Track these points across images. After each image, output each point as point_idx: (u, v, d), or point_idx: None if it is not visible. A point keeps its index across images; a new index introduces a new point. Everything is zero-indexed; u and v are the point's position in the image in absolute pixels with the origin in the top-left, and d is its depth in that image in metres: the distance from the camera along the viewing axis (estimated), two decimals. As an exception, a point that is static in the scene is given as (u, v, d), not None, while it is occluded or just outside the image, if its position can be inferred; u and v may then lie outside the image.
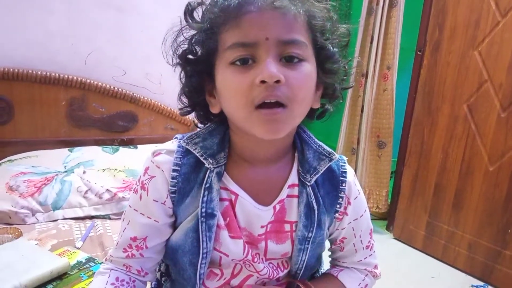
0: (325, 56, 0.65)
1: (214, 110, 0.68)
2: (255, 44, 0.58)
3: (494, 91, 1.99)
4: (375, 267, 0.82)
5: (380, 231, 2.63)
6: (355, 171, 2.67)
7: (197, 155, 0.67)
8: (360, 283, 0.80)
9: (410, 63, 2.44)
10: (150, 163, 0.69)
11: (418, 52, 2.36)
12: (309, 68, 0.62)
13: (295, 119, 0.64)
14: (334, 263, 0.84)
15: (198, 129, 0.72)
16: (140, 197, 0.69)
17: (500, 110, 1.97)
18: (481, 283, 2.07)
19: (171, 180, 0.67)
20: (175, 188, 0.68)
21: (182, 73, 0.67)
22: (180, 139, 0.70)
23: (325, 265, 0.85)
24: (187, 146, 0.68)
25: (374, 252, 0.82)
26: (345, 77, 0.70)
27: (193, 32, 0.64)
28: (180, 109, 0.71)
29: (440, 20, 2.22)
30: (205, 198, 0.66)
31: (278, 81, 0.57)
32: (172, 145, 0.70)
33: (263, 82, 0.57)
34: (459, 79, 2.14)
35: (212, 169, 0.67)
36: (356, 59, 2.42)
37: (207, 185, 0.66)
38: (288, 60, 0.59)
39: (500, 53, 1.96)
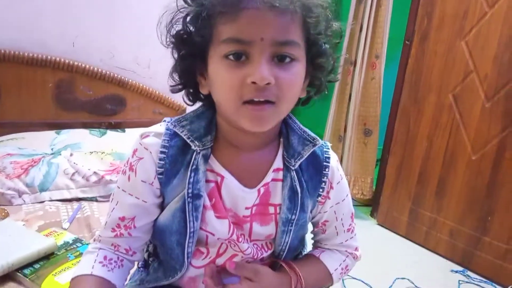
0: (316, 52, 0.67)
1: (204, 91, 0.69)
2: (250, 43, 0.59)
3: (479, 81, 2.02)
4: (356, 249, 0.85)
5: (364, 217, 2.68)
6: (341, 158, 2.71)
7: (184, 137, 0.69)
8: (340, 264, 0.82)
9: (398, 52, 2.46)
10: (139, 145, 0.70)
11: (406, 42, 2.38)
12: (299, 68, 0.64)
13: (281, 114, 0.66)
14: (316, 245, 0.86)
15: (186, 113, 0.73)
16: (129, 178, 0.71)
17: (484, 100, 2.01)
18: (461, 268, 2.13)
19: (158, 161, 0.69)
20: (163, 170, 0.69)
21: (175, 51, 0.68)
22: (168, 122, 0.71)
23: (308, 247, 0.88)
24: (174, 129, 0.70)
25: (355, 235, 0.84)
26: (332, 71, 0.72)
27: (188, 11, 0.65)
28: (171, 86, 0.72)
29: (428, 10, 2.24)
30: (191, 179, 0.67)
31: (268, 83, 0.59)
32: (160, 127, 0.71)
33: (254, 82, 0.59)
34: (445, 69, 2.17)
35: (198, 151, 0.68)
36: (344, 56, 2.45)
37: (194, 166, 0.68)
38: (280, 60, 0.61)
39: (486, 44, 1.98)
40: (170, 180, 0.69)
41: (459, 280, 2.02)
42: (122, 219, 0.71)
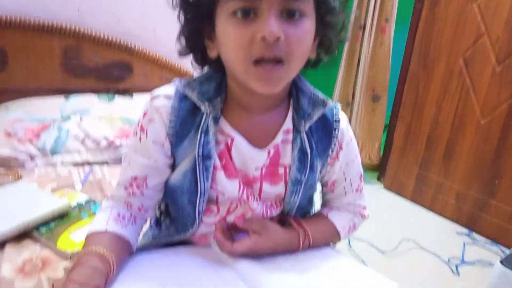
0: (325, 9, 0.65)
1: (212, 54, 0.69)
2: None
3: (491, 44, 1.98)
4: (364, 208, 0.86)
5: (371, 181, 2.70)
6: (349, 124, 2.70)
7: (194, 99, 0.69)
8: (348, 222, 0.84)
9: (408, 16, 2.41)
10: (149, 107, 0.71)
11: (417, 5, 2.33)
12: (309, 24, 0.63)
13: (291, 74, 0.66)
14: (324, 204, 0.88)
15: (196, 76, 0.73)
16: (140, 139, 0.72)
17: (495, 63, 1.98)
18: (466, 230, 2.17)
19: (169, 123, 0.69)
20: (173, 131, 0.70)
21: (181, 14, 0.67)
22: (178, 83, 0.71)
23: (316, 206, 0.89)
24: (184, 91, 0.70)
25: (363, 195, 0.85)
26: (342, 30, 0.71)
27: None
28: (178, 50, 0.71)
29: (440, -29, 2.18)
30: (201, 141, 0.68)
31: (278, 39, 0.58)
32: (170, 89, 0.71)
33: (263, 39, 0.58)
34: (456, 32, 2.13)
35: (208, 113, 0.69)
36: (355, 13, 2.40)
37: (204, 128, 0.68)
38: (289, 15, 0.60)
39: (498, 6, 1.94)
40: (181, 142, 0.70)
41: (465, 242, 2.05)
42: (135, 178, 0.73)
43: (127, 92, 1.95)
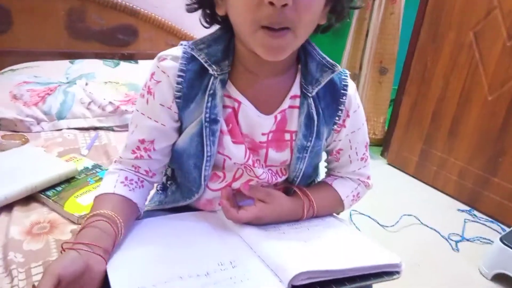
0: None
1: (220, 12, 0.67)
2: None
3: (503, 18, 1.94)
4: (368, 177, 0.87)
5: (375, 156, 2.71)
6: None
7: (202, 61, 0.68)
8: (352, 191, 0.85)
9: (420, -14, 2.36)
10: (156, 68, 0.70)
11: (430, -26, 2.27)
12: None
13: (299, 41, 0.65)
14: (329, 172, 0.88)
15: (203, 36, 0.72)
16: (147, 101, 0.71)
17: (506, 38, 1.94)
18: (467, 208, 2.18)
19: (176, 85, 0.69)
20: (180, 94, 0.69)
21: None
22: (185, 45, 0.70)
23: (321, 176, 0.90)
24: (192, 52, 0.69)
25: (368, 164, 0.85)
26: None
27: None
28: (187, 4, 0.70)
29: None
30: (209, 104, 0.68)
31: (285, 4, 0.57)
32: (177, 51, 0.70)
33: (271, 3, 0.57)
34: (468, 4, 2.08)
35: (216, 76, 0.68)
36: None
37: (211, 91, 0.68)
38: None
39: (513, -21, 1.88)
40: (188, 104, 0.70)
41: (465, 219, 2.07)
42: (142, 141, 0.73)
43: (132, 57, 1.94)
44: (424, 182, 2.43)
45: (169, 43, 2.02)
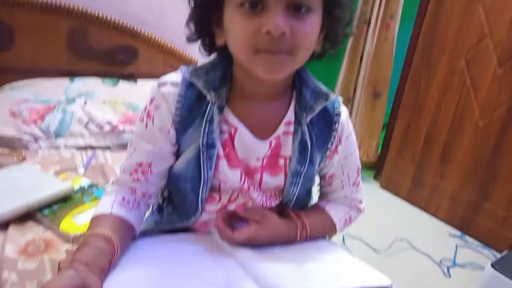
0: (333, 3, 0.66)
1: (219, 42, 0.70)
2: None
3: (493, 45, 2.00)
4: (360, 202, 0.89)
5: (368, 180, 2.73)
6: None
7: (200, 88, 0.71)
8: (344, 215, 0.86)
9: (413, 13, 2.42)
10: (156, 94, 0.72)
11: (423, 3, 2.33)
12: (315, 19, 0.64)
13: (296, 64, 0.67)
14: (322, 196, 0.90)
15: (202, 63, 0.75)
16: (146, 126, 0.73)
17: (497, 65, 1.99)
18: (459, 233, 2.19)
19: (175, 111, 0.71)
20: (179, 119, 0.71)
21: (192, 3, 0.69)
22: (184, 71, 0.73)
23: (314, 199, 0.91)
24: (190, 79, 0.71)
25: (360, 188, 0.88)
26: (348, 24, 0.72)
27: None
28: (187, 35, 0.73)
29: (448, -29, 2.18)
30: (206, 129, 0.70)
31: (283, 33, 0.59)
32: (177, 77, 0.73)
33: (268, 33, 0.59)
34: (460, 32, 2.14)
35: (213, 102, 0.70)
36: (361, 9, 2.40)
37: (209, 117, 0.70)
38: (296, 9, 0.61)
39: (503, 9, 1.95)
40: (186, 129, 0.72)
41: (457, 244, 2.07)
42: (140, 164, 0.75)
43: (131, 77, 1.97)
44: (416, 206, 2.44)
45: (168, 63, 2.05)
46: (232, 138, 0.73)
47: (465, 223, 2.20)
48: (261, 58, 0.62)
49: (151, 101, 0.73)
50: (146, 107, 0.74)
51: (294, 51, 0.63)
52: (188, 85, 0.71)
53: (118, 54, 1.96)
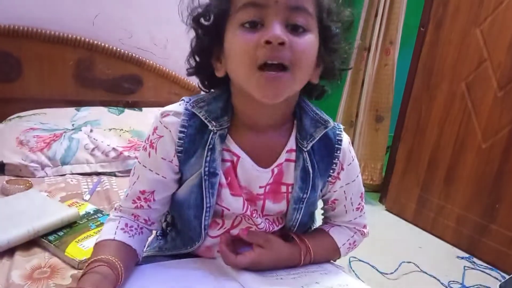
0: (328, 35, 0.69)
1: (219, 74, 0.72)
2: (265, 6, 0.62)
3: (493, 70, 2.02)
4: (364, 226, 0.89)
5: (373, 202, 2.71)
6: (352, 144, 2.72)
7: (202, 118, 0.72)
8: (348, 239, 0.87)
9: (412, 39, 2.47)
10: (159, 123, 0.74)
11: (421, 29, 2.38)
12: (312, 38, 0.66)
13: (295, 84, 0.68)
14: (326, 220, 0.91)
15: (203, 94, 0.77)
16: (149, 155, 0.75)
17: (497, 89, 2.01)
18: (467, 255, 2.17)
19: (177, 140, 0.72)
20: (182, 148, 0.73)
21: (193, 37, 0.72)
22: (186, 102, 0.75)
23: (318, 223, 0.92)
24: (193, 110, 0.73)
25: (363, 213, 0.88)
26: (345, 58, 0.74)
27: None
28: (187, 69, 0.75)
29: (445, -3, 2.23)
30: (208, 158, 0.71)
31: (282, 44, 0.62)
32: (179, 107, 0.74)
33: (268, 42, 0.61)
34: (459, 57, 2.18)
35: (215, 131, 0.72)
36: (358, 42, 2.46)
37: (211, 146, 0.72)
38: (293, 29, 0.64)
39: (501, 32, 1.98)
40: (189, 158, 0.73)
41: (465, 266, 2.05)
42: (143, 192, 0.76)
43: (136, 105, 2.00)
44: (422, 229, 2.42)
45: (172, 91, 2.09)
46: (234, 166, 0.74)
47: (472, 245, 2.18)
48: (260, 78, 0.63)
49: (154, 130, 0.74)
50: (149, 137, 0.75)
51: (293, 65, 0.64)
52: (191, 115, 0.73)
53: (123, 83, 2.00)
